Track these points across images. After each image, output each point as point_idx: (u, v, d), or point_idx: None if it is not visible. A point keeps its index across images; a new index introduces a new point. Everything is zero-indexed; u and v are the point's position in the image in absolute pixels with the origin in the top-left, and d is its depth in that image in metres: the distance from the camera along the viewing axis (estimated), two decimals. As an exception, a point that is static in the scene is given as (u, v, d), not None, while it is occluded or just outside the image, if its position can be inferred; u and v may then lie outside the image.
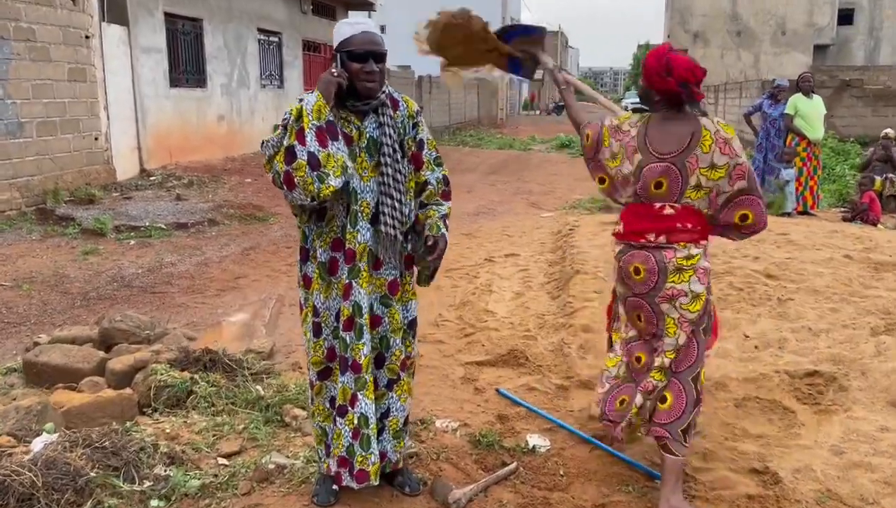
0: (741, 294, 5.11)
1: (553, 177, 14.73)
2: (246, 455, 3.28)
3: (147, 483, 2.88)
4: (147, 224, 8.64)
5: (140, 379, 3.87)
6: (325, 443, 2.79)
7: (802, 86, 9.15)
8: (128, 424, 3.39)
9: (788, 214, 8.84)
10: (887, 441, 3.32)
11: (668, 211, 2.79)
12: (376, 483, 2.73)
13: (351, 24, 2.58)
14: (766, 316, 4.73)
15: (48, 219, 8.78)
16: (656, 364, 2.87)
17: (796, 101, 9.06)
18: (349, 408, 2.64)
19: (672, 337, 2.85)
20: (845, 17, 32.38)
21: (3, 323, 5.36)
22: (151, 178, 11.53)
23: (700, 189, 2.76)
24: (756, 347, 4.32)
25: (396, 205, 2.59)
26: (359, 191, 2.59)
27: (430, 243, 2.66)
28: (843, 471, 3.13)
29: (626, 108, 38.74)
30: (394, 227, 2.59)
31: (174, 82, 12.79)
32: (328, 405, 2.76)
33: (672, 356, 2.86)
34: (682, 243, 2.79)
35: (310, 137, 2.44)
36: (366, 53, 2.51)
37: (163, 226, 8.60)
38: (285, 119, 2.54)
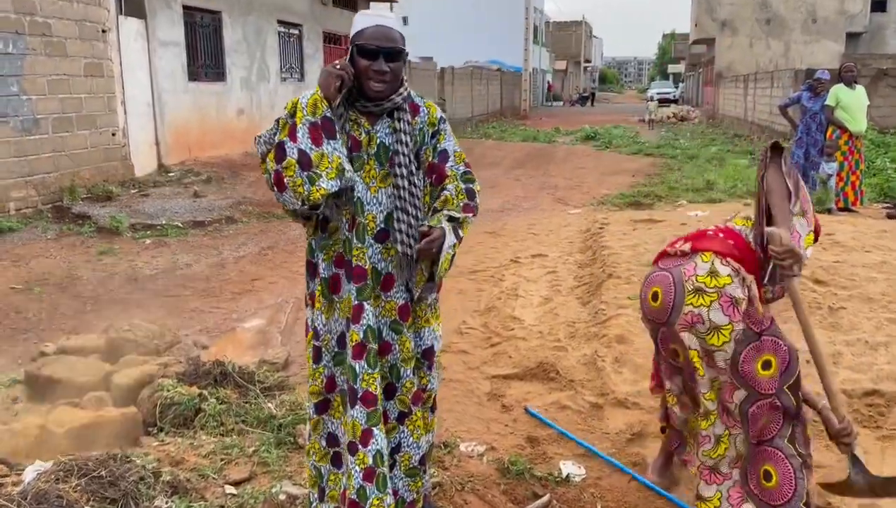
0: (787, 302, 4.75)
1: (580, 170, 14.35)
2: (256, 483, 3.03)
3: (146, 519, 2.64)
4: (164, 222, 8.45)
5: (146, 395, 3.65)
6: (318, 486, 2.50)
7: (845, 76, 8.71)
8: (130, 449, 3.16)
9: (829, 211, 8.42)
10: (963, 474, 2.98)
11: (710, 230, 2.58)
12: None
13: (366, 16, 2.28)
14: (817, 326, 4.37)
15: (64, 217, 8.62)
16: (702, 411, 2.51)
17: (838, 92, 8.62)
18: (360, 447, 2.29)
19: (703, 376, 2.48)
20: (878, 4, 31.43)
21: (11, 330, 5.17)
22: (170, 174, 11.36)
23: (748, 219, 2.56)
24: (807, 362, 3.97)
25: (413, 222, 2.28)
26: (365, 203, 2.28)
27: (423, 229, 2.29)
28: (915, 510, 2.80)
29: (651, 99, 38.05)
30: (410, 246, 2.27)
31: (193, 76, 12.60)
32: (324, 443, 2.45)
33: (714, 397, 2.47)
34: (707, 254, 2.43)
35: (301, 133, 2.15)
36: (376, 50, 2.21)
37: (179, 225, 8.41)
38: (281, 115, 2.26)
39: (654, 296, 2.49)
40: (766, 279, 2.44)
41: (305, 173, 2.14)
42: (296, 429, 3.39)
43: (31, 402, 3.83)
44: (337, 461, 2.45)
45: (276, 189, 2.20)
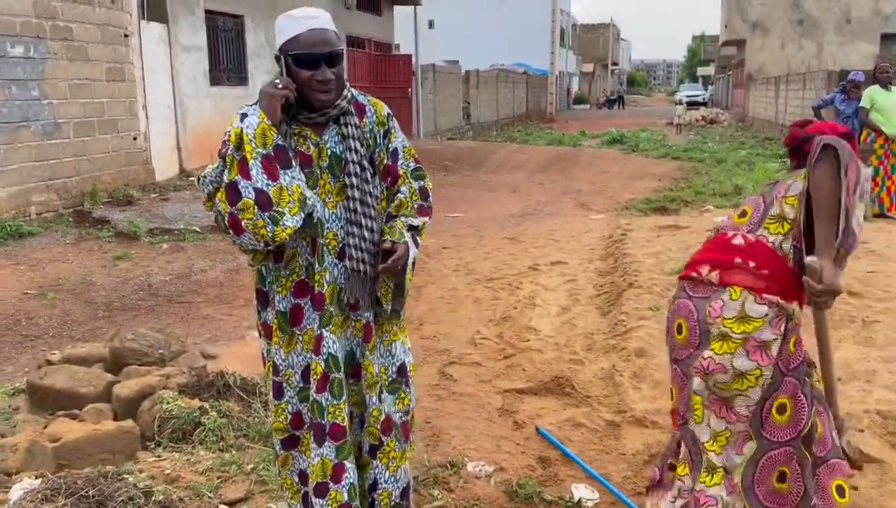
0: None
1: (604, 175, 14.10)
2: (252, 503, 2.91)
3: (132, 543, 2.52)
4: (181, 226, 8.42)
5: (146, 407, 3.55)
6: None
7: (880, 77, 8.39)
8: (123, 465, 3.05)
9: (864, 218, 8.10)
10: None
11: (738, 240, 2.17)
12: None
13: (296, 19, 2.04)
14: (850, 341, 4.15)
15: (84, 222, 8.63)
16: (705, 465, 2.20)
17: (873, 94, 8.31)
18: (331, 484, 2.14)
19: (700, 423, 2.19)
20: (916, 4, 30.63)
21: (22, 336, 5.13)
22: (190, 179, 11.36)
23: (784, 221, 2.13)
24: (839, 379, 3.75)
25: (366, 234, 2.09)
26: (324, 221, 2.09)
27: (386, 246, 2.11)
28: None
29: (680, 102, 37.54)
30: (362, 261, 2.09)
31: (215, 80, 12.61)
32: (296, 479, 2.28)
33: (719, 449, 2.19)
34: (737, 289, 2.09)
35: (255, 170, 1.95)
36: (316, 57, 2.00)
37: (197, 229, 8.37)
38: (223, 148, 2.04)
39: (679, 329, 2.22)
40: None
41: (266, 214, 1.95)
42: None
43: (32, 413, 3.75)
44: (307, 501, 2.28)
45: (231, 232, 1.99)
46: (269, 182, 1.96)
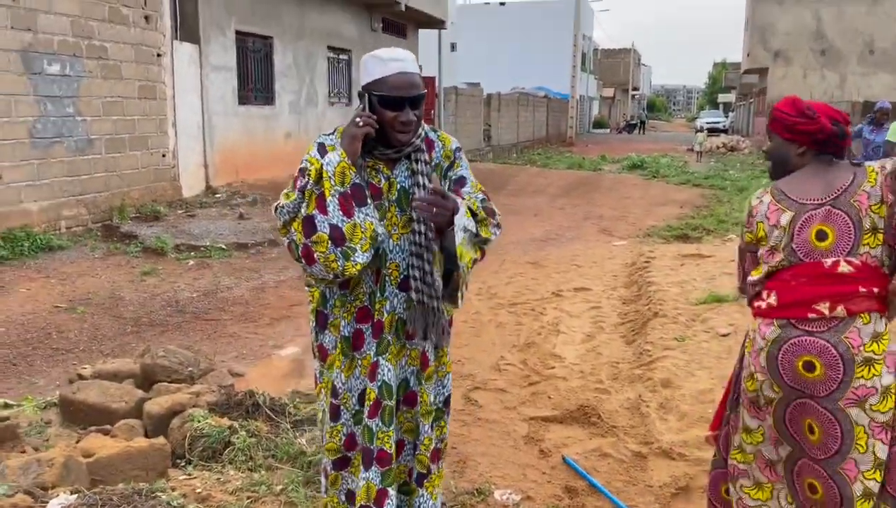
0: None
1: (625, 200, 14.11)
2: (281, 524, 2.94)
3: (167, 561, 2.56)
4: (208, 243, 8.53)
5: (177, 424, 3.60)
6: None
7: (907, 110, 8.37)
8: (156, 483, 3.09)
9: None
10: None
11: (844, 267, 2.12)
12: None
13: (383, 61, 2.10)
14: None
15: (112, 236, 8.77)
16: (858, 493, 2.13)
17: (899, 127, 8.28)
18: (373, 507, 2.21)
19: (865, 452, 2.12)
20: (941, 35, 30.50)
21: (53, 349, 5.21)
22: (217, 196, 11.52)
23: (877, 232, 2.12)
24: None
25: (427, 267, 2.13)
26: (388, 252, 2.16)
27: (428, 183, 2.11)
28: None
29: (700, 129, 37.32)
30: (425, 293, 2.13)
31: (242, 100, 12.82)
32: (343, 498, 2.33)
33: (879, 477, 2.14)
34: (865, 316, 2.10)
35: (332, 207, 2.03)
36: (402, 100, 2.07)
37: (223, 247, 8.47)
38: (302, 181, 2.12)
39: (809, 366, 2.13)
40: None
41: (339, 249, 2.03)
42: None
43: (64, 426, 3.81)
44: None
45: (304, 261, 2.08)
46: (345, 218, 2.04)
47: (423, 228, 2.13)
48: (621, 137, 45.32)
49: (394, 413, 2.19)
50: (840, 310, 2.11)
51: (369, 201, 2.09)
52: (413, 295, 2.15)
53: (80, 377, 4.31)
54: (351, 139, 2.06)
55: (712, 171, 19.33)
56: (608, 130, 53.35)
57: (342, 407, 2.25)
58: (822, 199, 2.20)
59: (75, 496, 2.79)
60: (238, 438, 3.48)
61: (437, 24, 21.11)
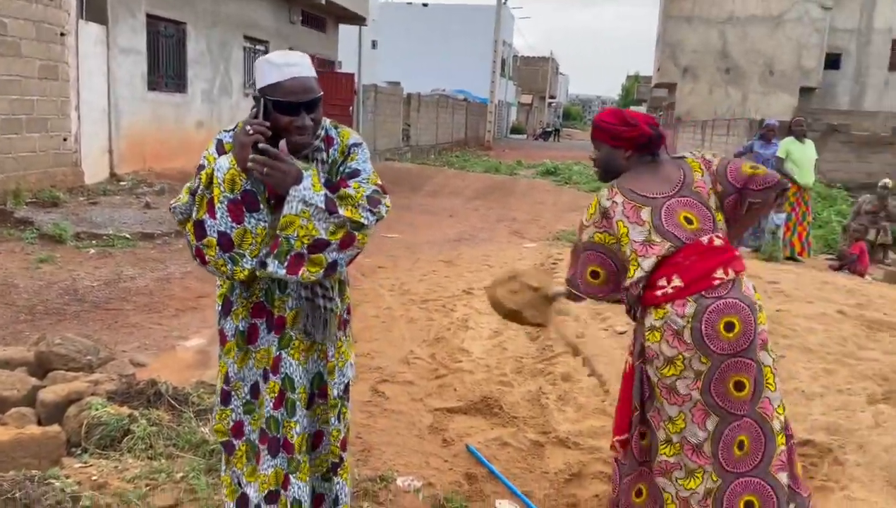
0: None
1: (538, 205, 14.49)
2: (181, 511, 2.91)
3: (59, 547, 2.50)
4: (111, 232, 8.22)
5: (73, 413, 3.50)
6: None
7: (795, 130, 9.01)
8: (50, 470, 3.01)
9: (776, 260, 8.64)
10: (890, 529, 3.04)
11: (717, 241, 2.45)
12: None
13: (278, 66, 2.07)
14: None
15: (6, 222, 8.32)
16: (777, 428, 2.44)
17: (788, 145, 8.91)
18: (282, 492, 2.27)
19: (775, 390, 2.46)
20: (832, 62, 32.75)
21: (-63, 336, 4.93)
22: (121, 183, 11.10)
23: (720, 210, 2.53)
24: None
25: None
26: None
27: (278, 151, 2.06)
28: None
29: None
30: (312, 292, 2.18)
31: (152, 85, 12.41)
32: (236, 481, 2.36)
33: (782, 411, 2.48)
34: (743, 274, 2.48)
35: (220, 213, 2.05)
36: (297, 105, 2.06)
37: (127, 236, 8.19)
38: (195, 183, 2.14)
39: (729, 327, 2.35)
40: None
41: (227, 254, 2.07)
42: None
43: (-51, 416, 3.63)
44: (243, 502, 2.35)
45: (198, 261, 2.13)
46: (234, 225, 2.06)
47: None
48: (537, 144, 46.33)
49: (296, 405, 2.24)
50: (731, 273, 2.42)
51: (262, 207, 2.09)
52: (302, 292, 2.18)
53: (-32, 365, 4.11)
54: (241, 147, 2.04)
55: (621, 180, 20.02)
56: (525, 136, 54.40)
57: (233, 394, 2.29)
58: (669, 193, 2.52)
59: (-40, 483, 2.69)
60: (138, 427, 3.42)
61: (357, 19, 21.03)
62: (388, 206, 2.21)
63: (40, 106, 9.54)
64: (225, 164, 2.06)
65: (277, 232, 2.04)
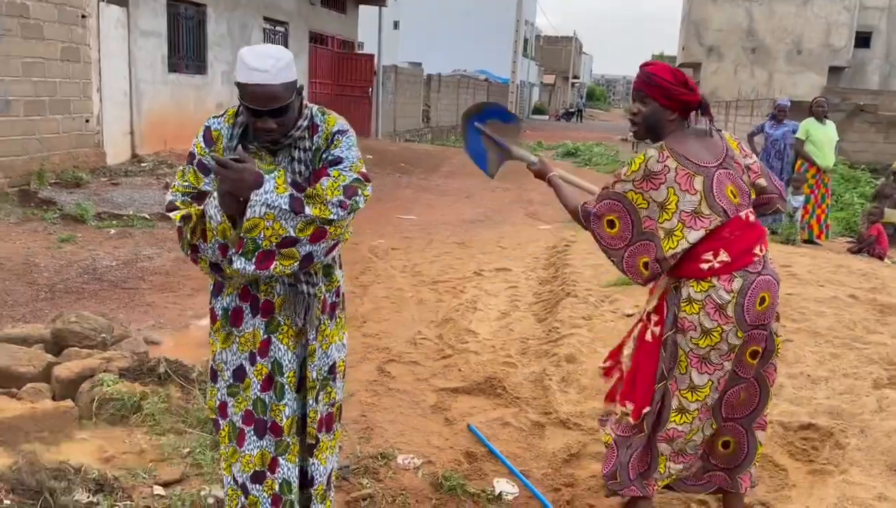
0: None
1: (555, 186, 14.40)
2: (187, 485, 3.01)
3: (65, 516, 2.61)
4: (131, 212, 8.37)
5: (86, 388, 3.61)
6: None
7: (816, 110, 8.85)
8: (60, 443, 3.12)
9: (793, 242, 8.55)
10: (885, 513, 3.04)
11: (752, 218, 2.55)
12: None
13: (248, 68, 2.05)
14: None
15: (30, 202, 8.50)
16: (771, 393, 2.72)
17: (808, 126, 8.76)
18: (268, 473, 2.33)
19: (779, 357, 2.73)
20: (863, 40, 32.03)
21: (-40, 314, 5.09)
22: (142, 165, 11.26)
23: (752, 190, 2.62)
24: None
25: None
26: None
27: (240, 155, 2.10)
28: (835, 545, 2.85)
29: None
30: (295, 278, 2.23)
31: (173, 67, 12.51)
32: (230, 453, 2.42)
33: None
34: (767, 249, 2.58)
35: (211, 252, 2.14)
36: (259, 111, 2.08)
37: (146, 216, 8.33)
38: (184, 182, 2.24)
39: (762, 301, 2.46)
40: None
41: (218, 273, 2.19)
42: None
43: (-32, 390, 3.76)
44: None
45: (190, 255, 2.24)
46: (222, 259, 2.14)
47: None
48: (559, 124, 45.96)
49: (284, 388, 2.28)
50: (763, 250, 2.52)
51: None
52: (286, 278, 2.23)
53: (-12, 341, 4.24)
54: (222, 198, 2.08)
55: (642, 161, 19.84)
56: (547, 117, 53.95)
57: (218, 373, 2.35)
58: (715, 163, 2.49)
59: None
60: (148, 403, 3.53)
61: (377, 0, 20.94)
62: (366, 196, 2.20)
63: (63, 88, 9.69)
64: (217, 218, 2.09)
65: (241, 234, 2.06)
